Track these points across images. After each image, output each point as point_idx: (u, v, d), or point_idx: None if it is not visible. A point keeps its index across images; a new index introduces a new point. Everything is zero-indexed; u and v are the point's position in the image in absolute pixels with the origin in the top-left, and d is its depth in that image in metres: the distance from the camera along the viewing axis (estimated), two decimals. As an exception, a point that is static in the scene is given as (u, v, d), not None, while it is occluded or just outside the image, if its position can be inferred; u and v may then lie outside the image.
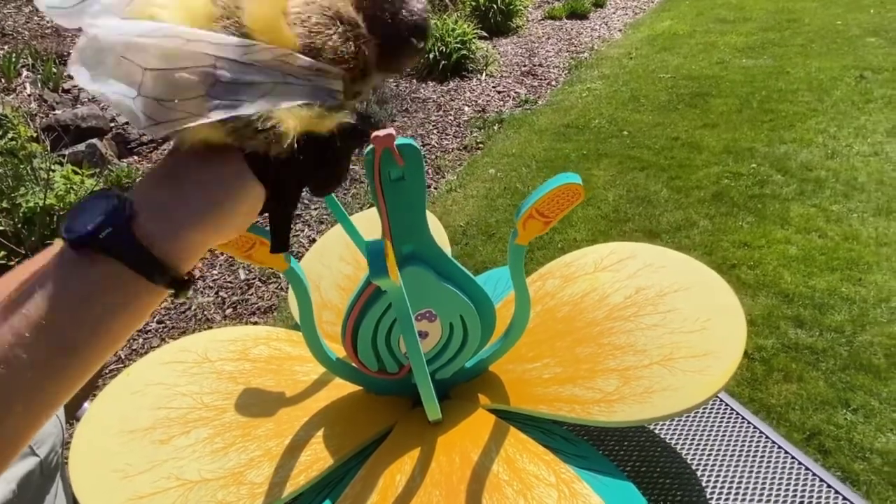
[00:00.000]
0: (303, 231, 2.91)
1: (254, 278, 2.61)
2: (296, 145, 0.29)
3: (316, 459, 0.55)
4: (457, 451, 0.50)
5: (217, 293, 2.58)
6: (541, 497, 0.43)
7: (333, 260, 0.76)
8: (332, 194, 0.58)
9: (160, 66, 0.26)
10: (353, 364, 0.60)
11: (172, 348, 0.62)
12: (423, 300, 0.53)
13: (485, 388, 0.58)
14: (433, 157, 3.61)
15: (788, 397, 1.76)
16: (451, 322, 0.54)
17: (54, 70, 4.00)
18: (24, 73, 3.99)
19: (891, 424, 1.63)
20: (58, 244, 0.27)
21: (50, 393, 0.25)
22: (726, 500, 0.53)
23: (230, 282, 2.62)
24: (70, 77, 4.30)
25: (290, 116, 0.29)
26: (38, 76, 3.98)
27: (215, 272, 2.66)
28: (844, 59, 4.37)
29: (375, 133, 0.45)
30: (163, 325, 2.46)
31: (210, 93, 0.27)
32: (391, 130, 0.45)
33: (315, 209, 3.07)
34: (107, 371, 2.06)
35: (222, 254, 2.73)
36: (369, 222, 0.60)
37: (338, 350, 0.63)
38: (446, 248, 0.74)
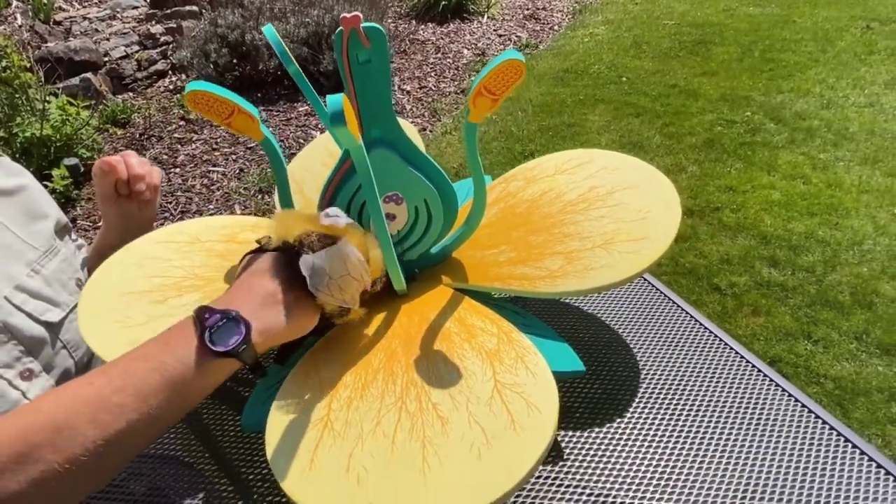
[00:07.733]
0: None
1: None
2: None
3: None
4: (417, 313, 0.57)
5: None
6: (482, 342, 0.51)
7: (316, 166, 0.82)
8: (308, 84, 0.62)
9: (347, 273, 0.45)
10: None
11: (167, 230, 0.68)
12: (390, 183, 0.59)
13: (447, 271, 0.65)
14: (430, 99, 3.59)
15: (755, 329, 1.86)
16: (416, 206, 0.60)
17: (44, 1, 3.91)
18: (15, 2, 3.91)
19: (847, 354, 1.73)
20: (186, 339, 0.41)
21: (152, 437, 0.40)
22: (650, 364, 0.62)
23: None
24: (61, 9, 4.20)
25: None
26: (29, 6, 3.90)
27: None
28: (853, 9, 4.27)
29: (343, 14, 0.50)
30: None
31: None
32: (358, 13, 0.50)
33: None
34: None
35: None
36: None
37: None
38: (420, 147, 0.80)
